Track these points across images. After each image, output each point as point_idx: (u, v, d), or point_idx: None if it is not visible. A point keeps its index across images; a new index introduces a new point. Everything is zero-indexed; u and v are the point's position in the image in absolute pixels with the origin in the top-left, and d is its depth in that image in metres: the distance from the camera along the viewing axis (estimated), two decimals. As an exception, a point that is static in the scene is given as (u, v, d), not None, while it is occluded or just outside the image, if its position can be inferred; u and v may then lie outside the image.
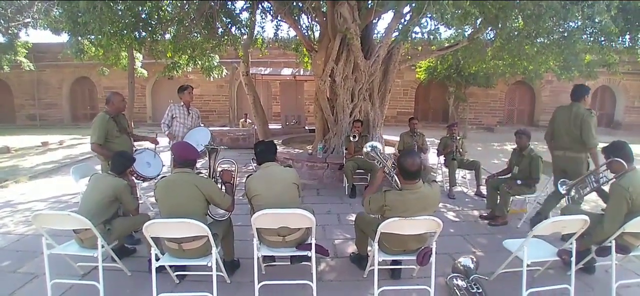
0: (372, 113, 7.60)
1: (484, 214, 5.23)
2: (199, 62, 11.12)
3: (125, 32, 6.37)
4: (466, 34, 7.48)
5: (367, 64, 6.99)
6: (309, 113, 15.08)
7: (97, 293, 2.96)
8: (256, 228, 2.97)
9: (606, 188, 3.54)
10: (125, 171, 3.63)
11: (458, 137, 6.51)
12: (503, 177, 5.26)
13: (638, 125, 19.21)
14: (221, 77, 13.76)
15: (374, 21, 7.57)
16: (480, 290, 3.04)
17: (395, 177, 3.07)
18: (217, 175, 3.51)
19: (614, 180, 3.28)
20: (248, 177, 3.20)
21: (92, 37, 6.26)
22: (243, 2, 9.05)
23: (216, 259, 2.93)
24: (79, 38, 6.76)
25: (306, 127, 12.07)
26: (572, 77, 9.34)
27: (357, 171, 6.22)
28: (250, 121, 13.69)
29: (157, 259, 2.92)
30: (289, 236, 3.02)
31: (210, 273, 2.90)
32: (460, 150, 6.42)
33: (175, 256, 3.01)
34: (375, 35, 8.13)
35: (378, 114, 7.70)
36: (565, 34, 6.67)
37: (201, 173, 3.19)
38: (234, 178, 3.46)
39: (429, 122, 19.34)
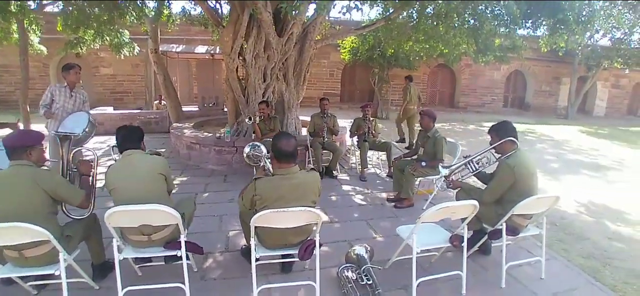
0: (287, 93, 7.27)
1: (391, 196, 5.16)
2: (108, 38, 10.04)
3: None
4: (380, 13, 7.40)
5: (280, 42, 6.61)
6: (228, 94, 14.35)
7: None
8: (118, 227, 2.55)
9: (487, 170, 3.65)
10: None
11: (371, 119, 6.38)
12: (408, 158, 5.21)
13: (544, 107, 21.10)
14: (134, 55, 12.64)
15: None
16: (371, 281, 2.87)
17: (268, 163, 2.78)
18: (74, 167, 3.00)
19: (502, 158, 3.30)
20: (109, 167, 2.74)
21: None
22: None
23: (70, 265, 2.51)
24: None
25: (225, 109, 11.43)
26: (488, 61, 9.73)
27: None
28: (164, 103, 12.73)
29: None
30: (155, 235, 2.61)
31: (73, 280, 2.51)
32: (373, 131, 6.29)
33: (18, 266, 2.51)
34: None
35: (293, 95, 7.38)
36: (476, 17, 6.85)
37: (44, 166, 2.66)
38: (93, 169, 2.97)
39: (356, 103, 19.38)
